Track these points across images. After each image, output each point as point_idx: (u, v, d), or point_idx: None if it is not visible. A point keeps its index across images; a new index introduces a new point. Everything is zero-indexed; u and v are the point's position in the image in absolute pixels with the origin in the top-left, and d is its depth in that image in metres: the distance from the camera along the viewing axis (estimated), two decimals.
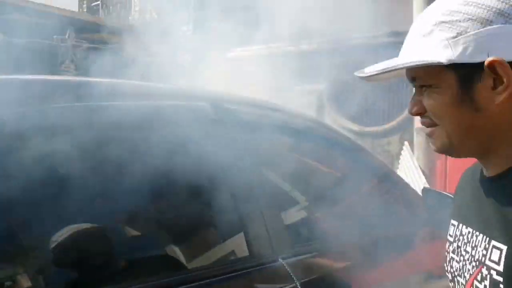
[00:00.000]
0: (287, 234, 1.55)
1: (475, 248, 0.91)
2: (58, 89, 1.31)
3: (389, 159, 8.68)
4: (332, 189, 1.86)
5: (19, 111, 1.14)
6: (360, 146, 2.19)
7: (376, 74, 0.93)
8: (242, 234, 1.40)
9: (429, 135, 0.94)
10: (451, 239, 1.01)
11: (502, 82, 0.85)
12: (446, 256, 1.03)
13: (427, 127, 0.94)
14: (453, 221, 1.03)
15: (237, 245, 1.40)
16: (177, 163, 1.23)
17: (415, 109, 0.94)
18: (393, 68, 0.91)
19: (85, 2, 16.63)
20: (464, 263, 0.94)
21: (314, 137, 1.84)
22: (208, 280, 1.27)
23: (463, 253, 0.95)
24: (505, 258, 0.83)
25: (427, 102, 0.92)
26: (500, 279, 0.84)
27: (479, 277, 0.89)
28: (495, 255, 0.86)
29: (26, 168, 1.05)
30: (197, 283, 1.25)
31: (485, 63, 0.84)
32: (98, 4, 15.99)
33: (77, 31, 4.92)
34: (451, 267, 1.00)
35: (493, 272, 0.85)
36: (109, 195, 1.26)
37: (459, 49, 0.85)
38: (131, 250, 1.34)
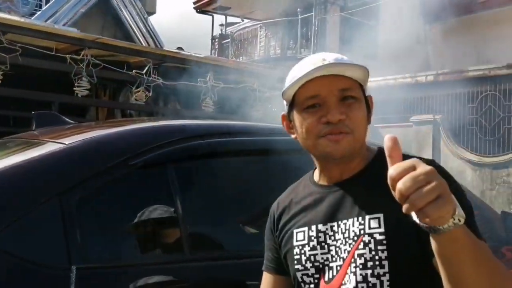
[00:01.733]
0: None
1: (346, 232, 1.11)
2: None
3: (509, 190, 8.40)
4: None
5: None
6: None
7: (336, 64, 1.10)
8: None
9: (337, 141, 1.10)
10: (305, 242, 1.16)
11: (369, 110, 1.18)
12: (301, 258, 1.16)
13: (339, 134, 1.10)
14: (299, 230, 1.19)
15: None
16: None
17: (343, 117, 1.10)
18: (354, 65, 1.12)
19: (216, 41, 18.25)
20: (336, 249, 1.12)
21: None
22: None
23: (332, 242, 1.13)
24: (384, 221, 1.07)
25: (355, 112, 1.12)
26: (383, 237, 1.06)
27: (361, 246, 1.08)
28: (374, 223, 1.08)
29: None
30: None
31: (368, 96, 1.19)
32: (228, 42, 17.45)
33: (215, 73, 5.86)
34: (315, 261, 1.15)
35: (376, 235, 1.07)
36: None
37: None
38: None
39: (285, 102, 1.20)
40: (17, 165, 1.44)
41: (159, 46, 8.23)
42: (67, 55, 5.71)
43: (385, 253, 1.05)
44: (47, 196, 1.33)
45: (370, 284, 1.06)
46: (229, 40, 17.19)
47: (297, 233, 1.18)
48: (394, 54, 13.80)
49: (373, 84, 11.14)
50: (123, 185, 1.49)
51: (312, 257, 1.14)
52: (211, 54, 17.31)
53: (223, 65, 6.14)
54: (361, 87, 1.16)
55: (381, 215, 1.07)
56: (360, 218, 1.10)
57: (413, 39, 14.51)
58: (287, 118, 1.20)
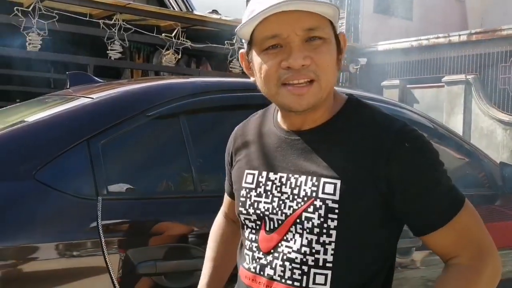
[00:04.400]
0: None
1: (296, 188, 1.02)
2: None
3: None
4: None
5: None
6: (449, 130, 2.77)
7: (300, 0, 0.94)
8: None
9: (300, 94, 0.98)
10: (252, 186, 1.10)
11: (341, 51, 1.04)
12: (245, 201, 1.11)
13: (303, 87, 0.98)
14: (250, 171, 1.12)
15: None
16: None
17: (306, 62, 0.96)
18: (316, 1, 0.95)
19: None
20: (280, 202, 1.04)
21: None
22: None
23: (277, 194, 1.05)
24: (340, 189, 0.98)
25: (322, 56, 0.98)
26: (336, 205, 0.99)
27: (310, 209, 1.00)
28: (329, 188, 0.99)
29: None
30: None
31: (339, 33, 1.05)
32: None
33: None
34: (257, 209, 1.08)
35: (329, 202, 0.99)
36: None
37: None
38: None
39: (243, 40, 1.07)
40: (54, 116, 1.72)
41: (190, 10, 8.41)
42: (100, 20, 5.98)
43: (335, 222, 0.99)
44: (78, 141, 1.59)
45: (313, 250, 1.01)
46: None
47: (247, 174, 1.13)
48: (430, 14, 13.54)
49: (406, 44, 11.07)
50: (141, 132, 1.74)
51: (255, 204, 1.09)
52: None
53: None
54: (332, 24, 1.02)
55: (338, 182, 0.99)
56: (314, 179, 1.02)
57: None
58: (246, 57, 1.07)
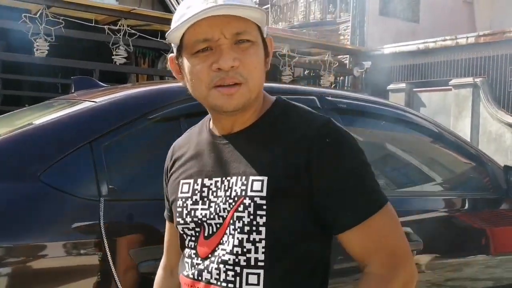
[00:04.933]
0: None
1: (229, 190, 1.04)
2: None
3: None
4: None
5: None
6: (447, 130, 2.78)
7: (228, 6, 0.97)
8: None
9: (230, 95, 1.00)
10: (188, 195, 1.10)
11: (268, 54, 1.08)
12: (182, 211, 1.11)
13: (233, 86, 1.00)
14: (185, 181, 1.13)
15: None
16: None
17: (236, 63, 0.99)
18: (245, 6, 0.98)
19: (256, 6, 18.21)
20: (216, 206, 1.05)
21: (392, 118, 2.51)
22: None
23: (213, 199, 1.06)
24: (267, 186, 1.00)
25: (250, 58, 1.01)
26: (264, 201, 1.00)
27: (240, 208, 1.01)
28: (257, 186, 1.01)
29: None
30: None
31: (267, 37, 1.07)
32: (268, 8, 17.46)
33: None
34: (194, 216, 1.08)
35: (257, 199, 1.00)
36: None
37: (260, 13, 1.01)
38: None
39: (172, 44, 1.08)
40: (59, 119, 1.76)
41: None
42: (105, 26, 6.03)
43: (263, 219, 1.00)
44: (81, 143, 1.62)
45: (245, 249, 1.01)
46: (269, 5, 17.20)
47: (183, 184, 1.13)
48: (437, 16, 13.51)
49: (413, 47, 11.05)
50: (143, 135, 1.77)
51: (192, 212, 1.10)
52: None
53: None
54: (259, 28, 1.05)
55: (265, 178, 1.01)
56: (244, 178, 1.03)
57: None
58: (175, 61, 1.09)
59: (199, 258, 1.08)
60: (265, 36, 1.07)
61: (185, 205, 1.11)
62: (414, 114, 2.66)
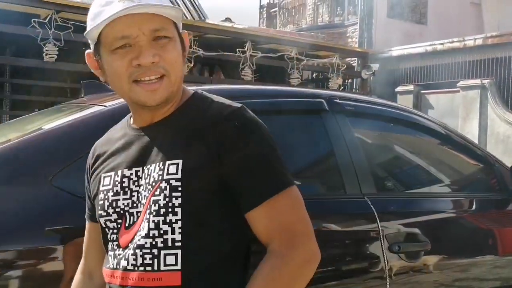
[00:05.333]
0: None
1: (148, 177, 1.07)
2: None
3: None
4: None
5: None
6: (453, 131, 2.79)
7: (144, 5, 1.00)
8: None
9: (153, 90, 1.04)
10: (109, 187, 1.12)
11: (185, 49, 1.12)
12: (104, 203, 1.12)
13: (155, 83, 1.04)
14: (106, 174, 1.14)
15: None
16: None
17: (156, 59, 1.02)
18: (162, 5, 1.02)
19: (264, 10, 18.30)
20: (138, 195, 1.08)
21: (399, 120, 2.51)
22: None
23: (134, 188, 1.09)
24: (182, 167, 1.03)
25: (170, 53, 1.05)
26: (178, 183, 1.03)
27: (157, 192, 1.04)
28: (173, 169, 1.04)
29: None
30: None
31: (182, 32, 1.11)
32: (276, 11, 17.47)
33: (254, 43, 6.10)
34: (116, 207, 1.10)
35: (172, 181, 1.03)
36: None
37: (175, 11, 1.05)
38: None
39: (90, 41, 1.10)
40: (69, 123, 1.78)
41: (202, 19, 8.50)
42: None
43: (179, 200, 1.03)
44: (91, 147, 1.65)
45: (161, 231, 1.03)
46: (277, 8, 17.19)
47: (104, 177, 1.15)
48: (445, 18, 13.46)
49: (420, 49, 11.03)
50: None
51: (114, 203, 1.11)
52: (259, 23, 17.42)
53: (261, 35, 6.35)
54: (175, 24, 1.09)
55: (180, 161, 1.05)
56: (161, 164, 1.06)
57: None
58: (93, 57, 1.11)
59: (120, 249, 1.09)
60: (180, 32, 1.11)
61: (106, 197, 1.13)
62: (422, 116, 2.67)
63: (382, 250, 1.96)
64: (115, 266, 1.10)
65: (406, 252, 2.03)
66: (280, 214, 1.05)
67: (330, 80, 6.83)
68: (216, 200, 1.06)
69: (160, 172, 1.05)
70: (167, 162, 1.05)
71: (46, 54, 5.75)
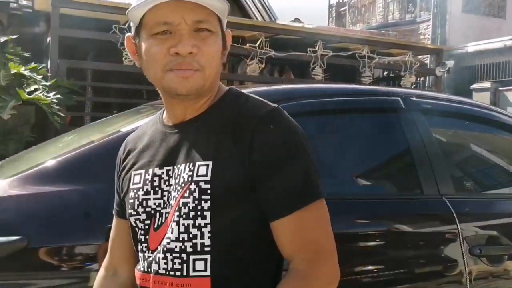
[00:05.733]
0: None
1: (178, 177, 1.04)
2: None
3: None
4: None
5: None
6: None
7: None
8: None
9: (185, 78, 1.01)
10: (139, 185, 1.09)
11: (225, 47, 1.08)
12: (134, 202, 1.10)
13: (188, 70, 1.01)
14: (136, 172, 1.12)
15: None
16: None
17: (194, 50, 1.00)
18: None
19: (333, 9, 18.14)
20: (168, 195, 1.05)
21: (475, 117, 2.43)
22: None
23: (165, 188, 1.06)
24: (211, 169, 1.00)
25: (209, 47, 1.02)
26: (208, 186, 0.99)
27: (186, 194, 1.01)
28: (202, 171, 1.01)
29: None
30: None
31: (226, 30, 1.08)
32: (345, 10, 17.27)
33: (324, 42, 6.08)
34: (146, 206, 1.08)
35: (202, 183, 1.00)
36: None
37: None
38: None
39: (131, 23, 1.08)
40: None
41: (273, 20, 8.56)
42: None
43: (208, 203, 1.00)
44: None
45: (191, 235, 1.00)
46: (346, 7, 17.01)
47: (134, 175, 1.13)
48: None
49: (499, 44, 10.51)
50: None
51: (144, 202, 1.09)
52: (328, 23, 17.31)
53: (331, 33, 6.32)
54: (220, 20, 1.06)
55: (210, 163, 1.01)
56: (191, 164, 1.03)
57: None
58: (132, 41, 1.09)
59: (150, 251, 1.08)
60: (224, 29, 1.08)
61: (136, 195, 1.10)
62: (502, 113, 2.56)
63: (462, 253, 1.91)
64: (146, 269, 1.08)
65: (487, 256, 1.97)
66: (307, 228, 1.01)
67: (402, 78, 6.67)
68: (247, 204, 1.01)
69: (190, 173, 1.02)
70: (197, 163, 1.02)
71: (125, 58, 6.02)
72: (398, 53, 6.75)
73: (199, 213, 1.00)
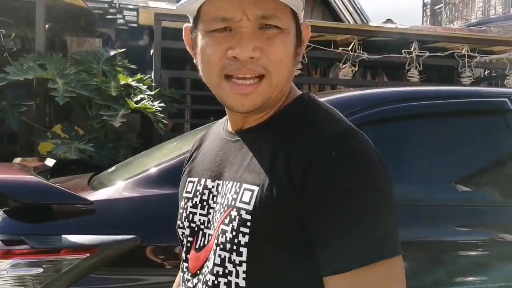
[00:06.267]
0: None
1: (224, 196, 0.87)
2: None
3: None
4: None
5: None
6: None
7: None
8: None
9: (245, 94, 0.84)
10: (190, 196, 0.96)
11: (301, 44, 0.90)
12: (183, 213, 0.97)
13: (249, 85, 0.83)
14: (191, 179, 0.99)
15: None
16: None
17: (256, 54, 0.82)
18: None
19: (428, 7, 17.50)
20: (213, 214, 0.90)
21: None
22: None
23: (212, 205, 0.91)
24: (255, 198, 0.81)
25: (277, 48, 0.83)
26: (249, 217, 0.81)
27: (226, 220, 0.84)
28: (246, 197, 0.82)
29: None
30: None
31: (303, 25, 0.89)
32: (440, 7, 16.57)
33: (419, 42, 5.89)
34: (192, 221, 0.94)
35: (243, 212, 0.82)
36: None
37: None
38: None
39: (188, 15, 0.92)
40: None
41: (365, 22, 8.43)
42: None
43: (246, 238, 0.81)
44: None
45: (226, 271, 0.84)
46: (442, 4, 16.34)
47: (188, 182, 1.00)
48: None
49: None
50: None
51: (190, 216, 0.95)
52: (422, 22, 16.72)
53: (427, 33, 6.09)
54: (294, 13, 0.86)
55: (256, 188, 0.82)
56: (238, 185, 0.86)
57: None
58: (190, 34, 0.93)
59: (189, 274, 0.94)
60: (301, 22, 0.89)
61: (186, 206, 0.97)
62: None
63: None
64: None
65: None
66: None
67: (507, 77, 6.27)
68: (292, 243, 0.80)
69: (235, 196, 0.85)
70: (244, 186, 0.84)
71: None
72: (502, 50, 6.36)
73: (235, 247, 0.83)
